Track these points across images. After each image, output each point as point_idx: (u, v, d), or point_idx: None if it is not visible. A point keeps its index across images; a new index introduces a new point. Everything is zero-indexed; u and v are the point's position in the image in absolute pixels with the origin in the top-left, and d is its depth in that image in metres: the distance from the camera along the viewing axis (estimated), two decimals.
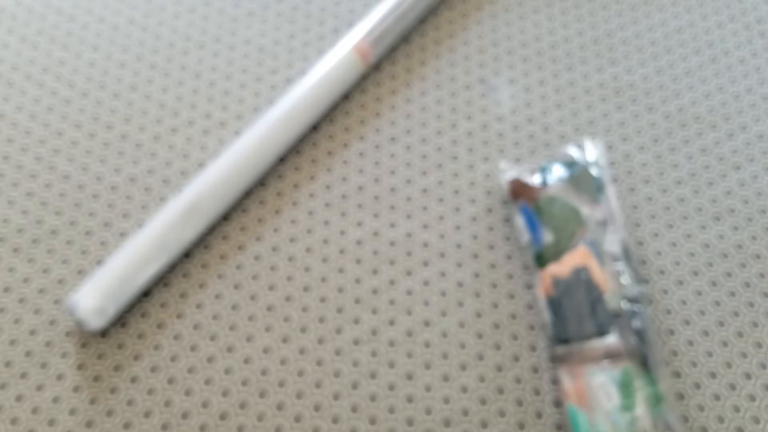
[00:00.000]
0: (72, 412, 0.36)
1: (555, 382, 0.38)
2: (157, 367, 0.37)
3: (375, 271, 0.40)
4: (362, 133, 0.45)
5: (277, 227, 0.42)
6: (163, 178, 0.43)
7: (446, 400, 0.37)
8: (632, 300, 0.37)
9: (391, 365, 0.38)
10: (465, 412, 0.37)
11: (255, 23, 0.49)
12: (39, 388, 0.36)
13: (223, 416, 0.36)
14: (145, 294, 0.39)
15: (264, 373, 0.37)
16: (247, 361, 0.38)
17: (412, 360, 0.38)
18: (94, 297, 0.36)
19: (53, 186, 0.42)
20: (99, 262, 0.40)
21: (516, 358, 0.38)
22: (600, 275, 0.37)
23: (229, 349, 0.38)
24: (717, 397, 0.37)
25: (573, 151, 0.42)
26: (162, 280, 0.40)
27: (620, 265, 0.38)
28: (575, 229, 0.39)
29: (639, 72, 0.48)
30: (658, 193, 0.44)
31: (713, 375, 0.38)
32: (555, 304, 0.38)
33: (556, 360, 0.37)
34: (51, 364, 0.37)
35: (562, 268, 0.38)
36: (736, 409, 0.37)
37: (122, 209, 0.42)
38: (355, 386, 0.37)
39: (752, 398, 0.37)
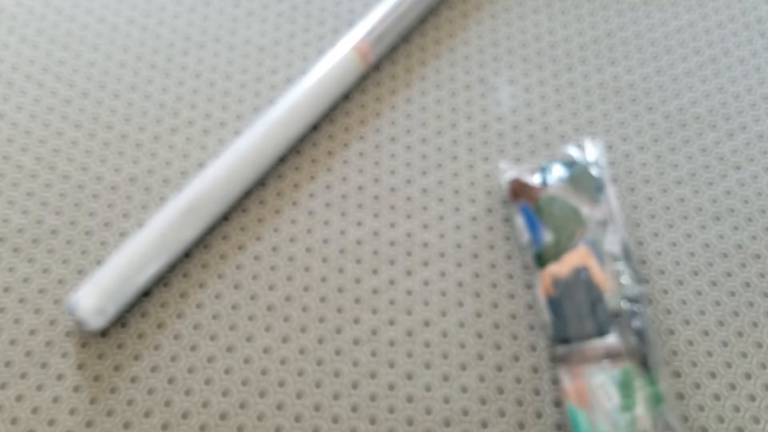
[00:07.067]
0: (72, 412, 0.36)
1: (555, 382, 0.38)
2: (157, 367, 0.37)
3: (375, 271, 0.40)
4: (362, 133, 0.45)
5: (277, 227, 0.42)
6: (163, 178, 0.43)
7: (446, 400, 0.37)
8: (632, 300, 0.37)
9: (391, 365, 0.38)
10: (465, 412, 0.37)
11: (255, 23, 0.49)
12: (39, 388, 0.36)
13: (223, 416, 0.36)
14: (145, 294, 0.39)
15: (264, 373, 0.37)
16: (247, 361, 0.38)
17: (412, 360, 0.38)
18: (94, 297, 0.36)
19: (53, 186, 0.42)
20: (99, 262, 0.40)
21: (516, 358, 0.38)
22: (600, 275, 0.37)
23: (229, 349, 0.38)
24: (717, 397, 0.37)
25: (573, 151, 0.42)
26: (162, 280, 0.40)
27: (620, 265, 0.38)
28: (575, 229, 0.39)
29: (639, 72, 0.48)
30: (658, 193, 0.44)
31: (713, 375, 0.38)
32: (555, 304, 0.38)
33: (556, 360, 0.37)
34: (51, 364, 0.37)
35: (562, 268, 0.38)
36: (736, 409, 0.37)
37: (122, 209, 0.42)
38: (355, 386, 0.37)
39: (752, 398, 0.37)
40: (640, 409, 0.34)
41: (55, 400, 0.36)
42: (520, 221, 0.41)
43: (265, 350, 0.38)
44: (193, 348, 0.38)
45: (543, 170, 0.41)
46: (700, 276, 0.41)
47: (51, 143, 0.44)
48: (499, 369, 0.38)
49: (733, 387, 0.38)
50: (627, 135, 0.46)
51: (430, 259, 0.41)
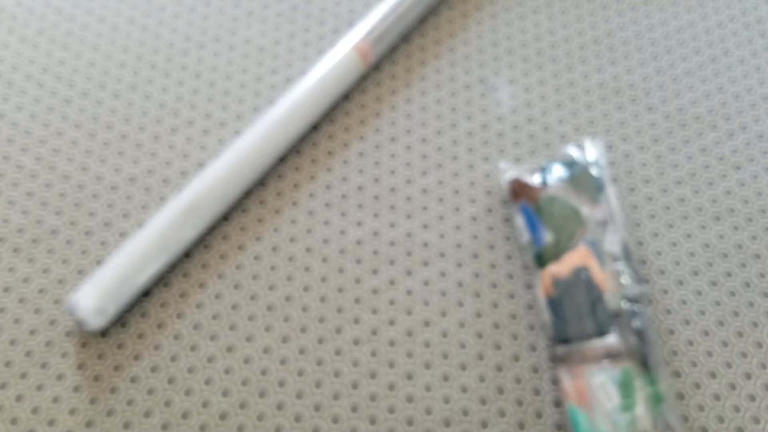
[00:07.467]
0: (72, 412, 0.36)
1: (555, 382, 0.38)
2: (157, 367, 0.37)
3: (375, 271, 0.40)
4: (362, 133, 0.45)
5: (277, 227, 0.42)
6: (163, 178, 0.43)
7: (446, 400, 0.37)
8: (632, 300, 0.37)
9: (391, 365, 0.38)
10: (465, 412, 0.37)
11: (255, 23, 0.49)
12: (39, 388, 0.36)
13: (223, 416, 0.36)
14: (145, 294, 0.39)
15: (264, 373, 0.37)
16: (247, 361, 0.38)
17: (412, 360, 0.38)
18: (94, 297, 0.36)
19: (53, 186, 0.42)
20: (99, 262, 0.40)
21: (516, 358, 0.38)
22: (600, 275, 0.37)
23: (229, 349, 0.38)
24: (717, 397, 0.37)
25: (573, 151, 0.42)
26: (162, 280, 0.40)
27: (620, 265, 0.38)
28: (575, 229, 0.39)
29: (639, 72, 0.48)
30: (658, 193, 0.44)
31: (713, 375, 0.38)
32: (555, 304, 0.38)
33: (556, 360, 0.37)
34: (51, 364, 0.37)
35: (562, 268, 0.38)
36: (736, 409, 0.37)
37: (122, 209, 0.42)
38: (355, 386, 0.37)
39: (752, 398, 0.37)
40: (640, 409, 0.34)
41: (55, 400, 0.36)
42: (520, 221, 0.41)
43: (265, 350, 0.38)
44: (193, 348, 0.38)
45: (543, 170, 0.41)
46: (700, 276, 0.41)
47: (51, 143, 0.44)
48: (499, 369, 0.38)
49: (733, 387, 0.38)
50: (627, 135, 0.46)
51: (430, 259, 0.41)
